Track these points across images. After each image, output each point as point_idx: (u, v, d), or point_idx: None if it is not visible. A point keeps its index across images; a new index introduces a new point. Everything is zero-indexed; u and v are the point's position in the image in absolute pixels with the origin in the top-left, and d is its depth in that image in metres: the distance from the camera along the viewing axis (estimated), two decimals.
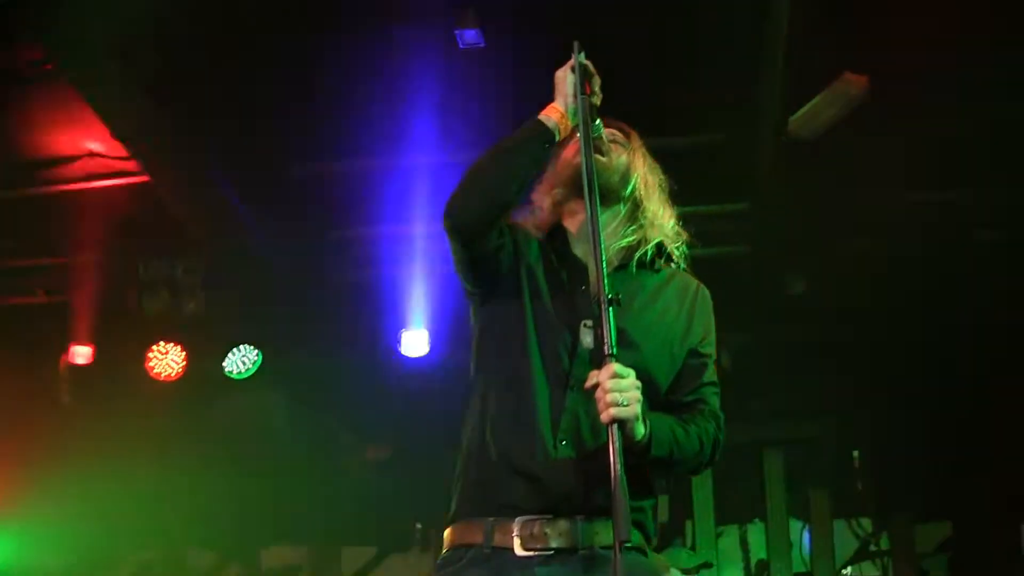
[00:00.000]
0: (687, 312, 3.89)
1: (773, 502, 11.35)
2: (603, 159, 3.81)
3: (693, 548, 11.16)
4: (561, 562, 3.54)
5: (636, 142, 4.02)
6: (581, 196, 3.61)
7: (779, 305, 9.65)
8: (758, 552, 11.47)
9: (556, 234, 3.97)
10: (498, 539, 3.60)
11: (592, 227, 3.50)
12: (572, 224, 3.95)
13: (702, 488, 11.19)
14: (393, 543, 12.00)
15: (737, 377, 9.86)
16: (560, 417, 3.63)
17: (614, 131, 3.96)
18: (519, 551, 3.56)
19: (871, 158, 8.26)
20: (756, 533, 11.64)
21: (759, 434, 11.12)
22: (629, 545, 3.50)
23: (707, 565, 10.77)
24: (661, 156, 4.14)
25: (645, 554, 3.69)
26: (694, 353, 3.84)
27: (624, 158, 3.90)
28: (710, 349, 3.89)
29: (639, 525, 3.66)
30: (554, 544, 3.54)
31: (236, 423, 11.01)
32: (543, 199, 3.99)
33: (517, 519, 3.58)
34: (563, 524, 3.55)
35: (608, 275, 3.52)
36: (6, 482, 10.66)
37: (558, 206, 3.97)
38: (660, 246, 3.93)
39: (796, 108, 7.66)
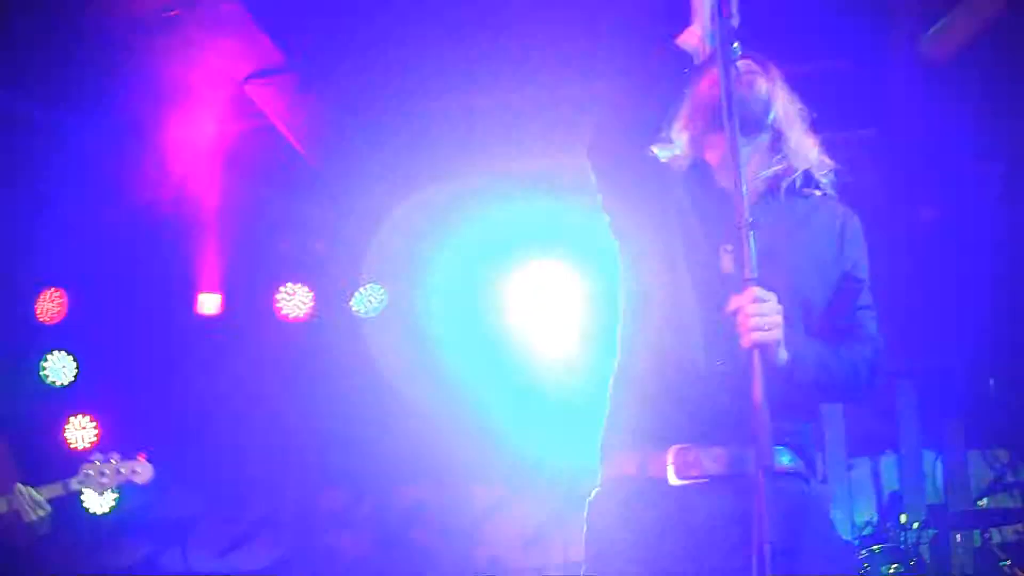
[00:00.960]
0: (837, 237, 3.87)
1: (906, 433, 11.21)
2: (743, 88, 3.75)
3: (824, 481, 11.06)
4: (717, 490, 3.54)
5: (774, 72, 3.97)
6: (720, 129, 3.61)
7: (912, 233, 9.49)
8: (891, 484, 11.33)
9: (698, 167, 3.92)
10: (652, 469, 3.61)
11: (731, 149, 3.48)
12: (713, 157, 3.92)
13: (833, 420, 11.07)
14: (524, 480, 12.02)
15: None
16: (714, 340, 3.61)
17: (750, 62, 3.90)
18: (673, 480, 3.56)
19: (1007, 78, 8.04)
20: (889, 465, 11.49)
21: (891, 364, 10.88)
22: (789, 471, 3.48)
23: None
24: (789, 80, 4.09)
25: (807, 481, 3.64)
26: (847, 277, 3.84)
27: (764, 87, 3.84)
28: (863, 274, 3.89)
29: (798, 449, 3.64)
30: (710, 471, 3.54)
31: (364, 362, 11.08)
32: (682, 134, 3.96)
33: (671, 448, 3.57)
34: (718, 451, 3.56)
35: (754, 202, 3.49)
36: (143, 424, 10.83)
37: (697, 140, 3.94)
38: (807, 174, 3.88)
39: (929, 26, 7.47)
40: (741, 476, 3.49)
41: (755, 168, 3.82)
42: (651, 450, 3.62)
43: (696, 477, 3.54)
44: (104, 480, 6.42)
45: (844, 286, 3.84)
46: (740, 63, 3.82)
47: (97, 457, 6.50)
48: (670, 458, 3.57)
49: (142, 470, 6.50)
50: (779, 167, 3.87)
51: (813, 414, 3.77)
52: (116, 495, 11.04)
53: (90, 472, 6.41)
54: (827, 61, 8.03)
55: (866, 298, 3.88)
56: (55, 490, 6.36)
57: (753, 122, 3.82)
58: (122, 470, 6.45)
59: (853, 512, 11.04)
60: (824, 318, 3.80)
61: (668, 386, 3.62)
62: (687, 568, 3.53)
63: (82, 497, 10.92)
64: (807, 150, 3.93)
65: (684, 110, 3.90)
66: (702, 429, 3.56)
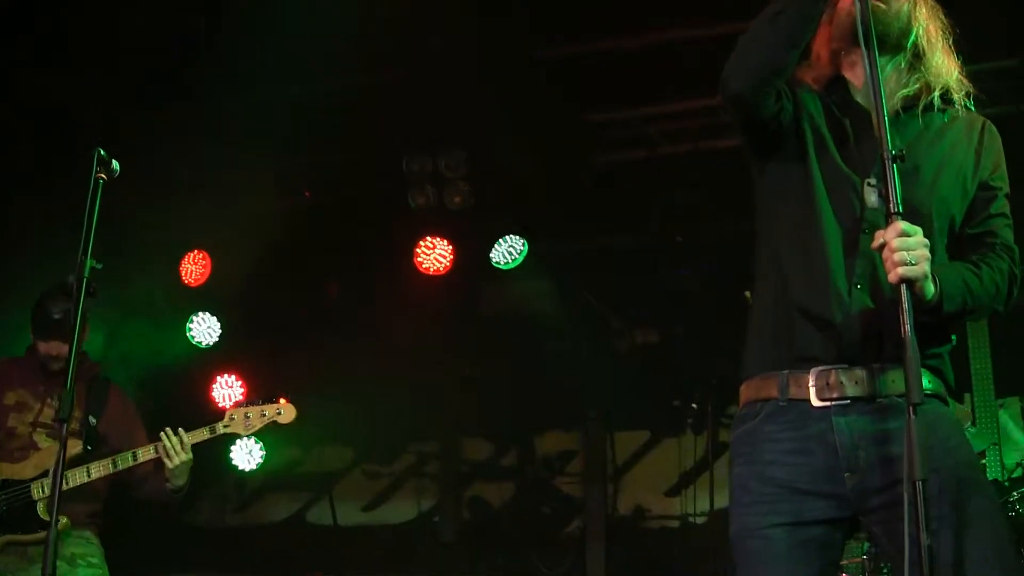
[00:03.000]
0: (975, 147, 3.81)
1: None
2: (883, 6, 3.68)
3: (973, 422, 10.88)
4: (858, 411, 3.54)
5: None
6: (859, 46, 3.52)
7: None
8: None
9: (836, 85, 3.88)
10: (793, 391, 3.62)
11: (873, 83, 3.43)
12: (852, 74, 3.86)
13: (980, 358, 10.88)
14: (667, 426, 12.02)
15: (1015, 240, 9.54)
16: (855, 262, 3.60)
17: None
18: (815, 401, 3.58)
19: None
20: None
21: None
22: (928, 393, 3.46)
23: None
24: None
25: (945, 402, 3.62)
26: (984, 186, 3.78)
27: (905, 6, 3.76)
28: (1000, 182, 3.81)
29: (936, 371, 3.64)
30: (850, 393, 3.54)
31: (505, 313, 11.14)
32: (821, 49, 3.91)
33: (812, 369, 3.59)
34: (859, 372, 3.54)
35: (892, 122, 3.45)
36: (287, 382, 10.98)
37: (837, 56, 3.88)
38: (945, 93, 3.81)
39: None
40: (884, 397, 3.53)
41: (893, 86, 3.75)
42: (792, 372, 3.63)
43: (837, 399, 3.55)
44: (249, 423, 6.55)
45: (981, 195, 3.77)
46: None
47: (241, 402, 6.65)
48: (811, 380, 3.59)
49: (285, 412, 6.60)
50: (917, 86, 3.81)
51: (950, 337, 3.74)
52: (263, 452, 11.23)
53: (235, 416, 6.55)
54: None
55: (1001, 205, 3.79)
56: (201, 434, 6.51)
57: (892, 43, 3.76)
58: (266, 412, 6.57)
59: (1003, 453, 10.86)
60: (961, 225, 3.75)
61: (807, 309, 3.62)
62: (828, 487, 3.56)
63: (231, 455, 11.13)
64: (947, 72, 3.84)
65: (823, 25, 3.82)
66: (843, 352, 3.56)
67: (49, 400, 6.66)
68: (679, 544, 11.87)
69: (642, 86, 9.18)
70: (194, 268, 10.86)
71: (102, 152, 5.02)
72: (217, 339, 11.06)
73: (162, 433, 6.43)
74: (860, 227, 3.62)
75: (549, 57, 8.96)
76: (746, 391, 3.79)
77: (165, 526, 10.57)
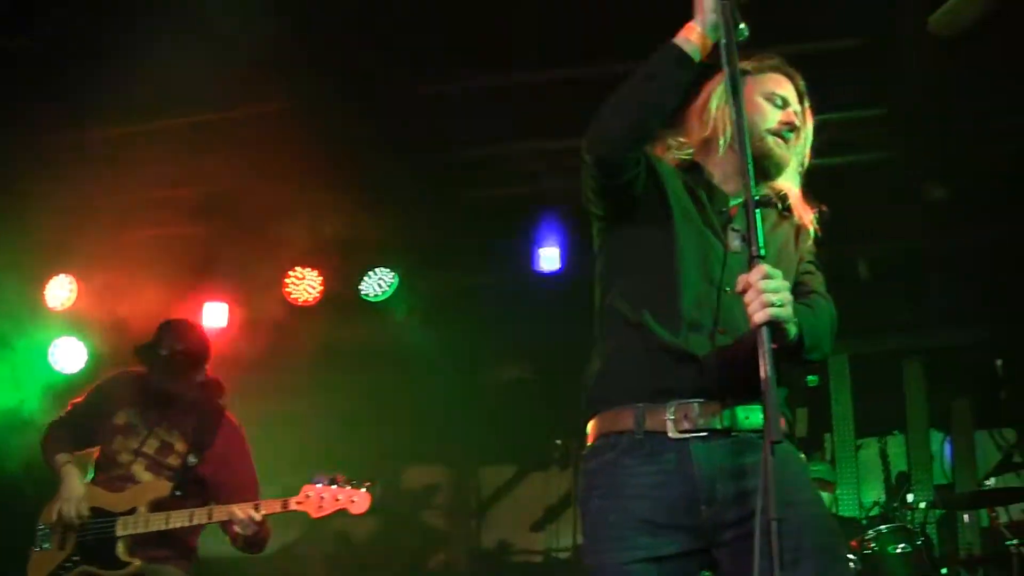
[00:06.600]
0: (801, 240, 4.04)
1: (914, 413, 11.20)
2: (785, 143, 3.97)
3: (832, 462, 11.06)
4: (716, 445, 3.63)
5: (809, 119, 4.07)
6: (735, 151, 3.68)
7: (918, 213, 9.48)
8: (898, 464, 11.31)
9: (694, 169, 4.03)
10: (650, 423, 3.68)
11: (739, 136, 3.45)
12: (712, 166, 4.02)
13: (841, 400, 11.07)
14: (532, 461, 12.05)
15: (876, 286, 9.74)
16: (717, 308, 3.70)
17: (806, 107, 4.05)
18: (672, 433, 3.65)
19: (1015, 58, 8.00)
20: (896, 445, 11.46)
21: (899, 344, 11.00)
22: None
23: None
24: (798, 61, 4.08)
25: (791, 439, 3.76)
26: (801, 261, 4.02)
27: (807, 130, 4.04)
28: (811, 256, 4.05)
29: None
30: (708, 425, 3.63)
31: (372, 346, 11.08)
32: (680, 139, 4.08)
33: (669, 403, 3.66)
34: (715, 406, 3.63)
35: (734, 204, 3.74)
36: None
37: (706, 144, 4.02)
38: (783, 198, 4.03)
39: (936, 6, 7.44)
40: (738, 431, 3.64)
41: (736, 186, 3.93)
42: (648, 406, 3.68)
43: (694, 431, 3.62)
44: (322, 505, 6.45)
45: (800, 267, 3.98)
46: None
47: (320, 481, 6.54)
48: (668, 413, 3.65)
49: (359, 501, 6.47)
50: (765, 191, 3.96)
51: (804, 377, 3.93)
52: None
53: (311, 494, 6.46)
54: (838, 39, 8.01)
55: (812, 260, 4.03)
56: (272, 507, 6.44)
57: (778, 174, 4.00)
58: (339, 497, 6.46)
59: (861, 492, 11.04)
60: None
61: (668, 348, 3.67)
62: (684, 519, 3.62)
63: None
64: (793, 182, 4.05)
65: (688, 118, 3.97)
66: (700, 387, 3.64)
67: (157, 429, 6.64)
68: None
69: (522, 121, 9.21)
70: (59, 292, 10.65)
71: None
72: (83, 365, 10.79)
73: (235, 507, 6.34)
74: (720, 283, 3.74)
75: (429, 91, 8.95)
76: (599, 424, 3.83)
77: None
